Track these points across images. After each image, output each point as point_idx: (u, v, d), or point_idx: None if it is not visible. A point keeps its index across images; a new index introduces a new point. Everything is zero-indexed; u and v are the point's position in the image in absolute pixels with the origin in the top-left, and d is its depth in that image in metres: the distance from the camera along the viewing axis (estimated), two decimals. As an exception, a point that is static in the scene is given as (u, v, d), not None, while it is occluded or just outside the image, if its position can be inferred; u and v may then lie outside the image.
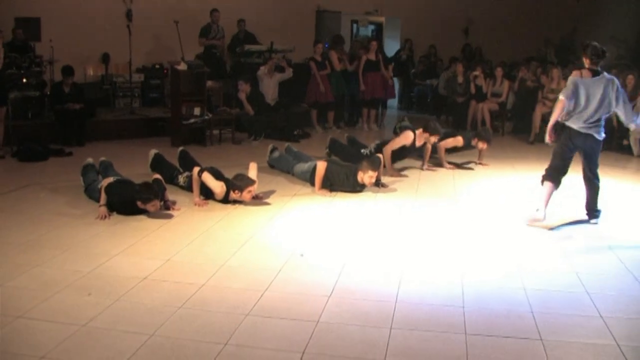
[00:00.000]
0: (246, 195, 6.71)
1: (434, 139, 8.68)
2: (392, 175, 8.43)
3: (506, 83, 12.46)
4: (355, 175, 7.42)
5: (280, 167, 8.41)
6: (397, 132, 9.26)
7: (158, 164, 7.75)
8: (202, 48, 12.41)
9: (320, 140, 11.28)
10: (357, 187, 7.50)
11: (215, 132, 10.60)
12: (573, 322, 4.29)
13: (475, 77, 12.50)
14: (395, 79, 15.57)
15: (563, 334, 4.09)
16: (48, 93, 10.24)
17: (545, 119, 11.63)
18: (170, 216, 6.40)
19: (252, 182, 6.72)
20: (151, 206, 6.24)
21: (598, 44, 6.16)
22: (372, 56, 12.60)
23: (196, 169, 6.84)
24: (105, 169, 7.29)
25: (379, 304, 4.45)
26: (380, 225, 6.40)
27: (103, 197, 6.30)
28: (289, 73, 11.64)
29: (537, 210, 6.49)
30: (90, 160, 7.37)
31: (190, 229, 6.00)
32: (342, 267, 5.11)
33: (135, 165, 8.19)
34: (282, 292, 4.62)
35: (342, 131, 11.84)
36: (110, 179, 6.51)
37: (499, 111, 12.51)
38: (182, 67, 9.90)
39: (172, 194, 6.99)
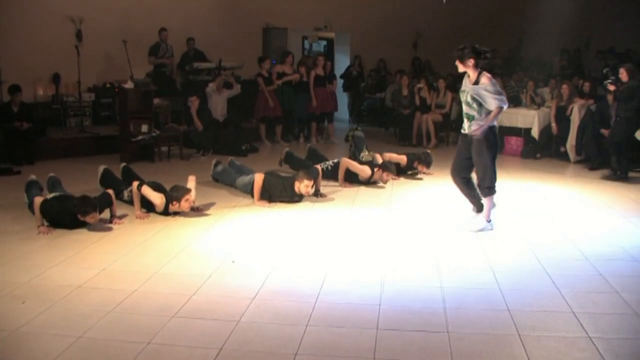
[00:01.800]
0: (184, 204, 6.95)
1: (386, 176, 8.91)
2: (341, 185, 8.79)
3: (449, 94, 12.87)
4: (292, 186, 7.69)
5: (224, 180, 8.66)
6: (348, 140, 9.52)
7: (107, 179, 7.95)
8: (152, 67, 12.65)
9: (268, 155, 11.56)
10: (295, 197, 7.77)
11: (164, 148, 10.82)
12: (481, 315, 4.60)
13: (420, 89, 12.90)
14: (345, 94, 16.01)
15: (470, 327, 4.39)
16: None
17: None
18: (110, 229, 6.62)
19: (188, 190, 6.98)
20: (90, 218, 6.43)
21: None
22: (320, 71, 12.95)
23: (135, 183, 7.06)
24: (53, 185, 7.45)
25: (299, 304, 4.71)
26: (312, 232, 6.68)
27: (39, 218, 6.47)
28: (236, 89, 11.90)
29: (489, 222, 6.74)
30: (33, 177, 7.53)
31: (128, 240, 6.23)
32: (269, 272, 5.38)
33: (84, 182, 8.34)
34: (209, 295, 4.87)
35: (290, 145, 12.12)
36: (41, 198, 6.62)
37: (443, 122, 12.90)
38: (129, 85, 10.14)
39: (118, 209, 7.19)
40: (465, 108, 6.50)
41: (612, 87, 9.53)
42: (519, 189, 8.96)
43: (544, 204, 8.03)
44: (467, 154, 6.67)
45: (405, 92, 13.10)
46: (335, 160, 9.09)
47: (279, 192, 7.76)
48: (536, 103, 12.02)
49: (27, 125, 9.97)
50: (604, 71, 11.13)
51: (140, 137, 10.10)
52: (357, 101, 16.25)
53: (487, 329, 4.35)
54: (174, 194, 6.95)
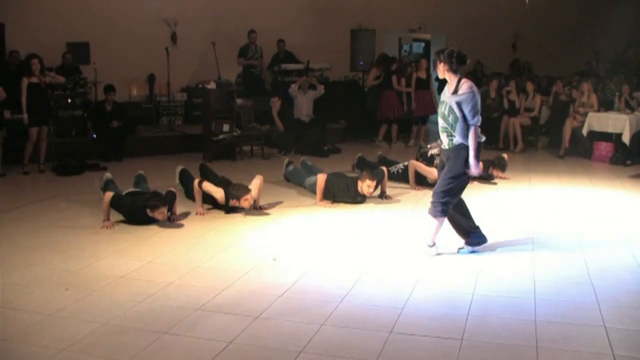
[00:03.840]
0: (244, 203, 7.17)
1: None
2: (412, 188, 8.78)
3: (538, 97, 12.54)
4: (355, 185, 7.78)
5: (295, 180, 8.86)
6: (417, 159, 9.43)
7: (183, 178, 8.32)
8: (242, 68, 13.04)
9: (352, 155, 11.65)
10: (357, 198, 7.85)
11: (246, 148, 11.16)
12: (504, 325, 4.50)
13: (508, 92, 12.64)
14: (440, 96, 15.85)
15: (487, 336, 4.31)
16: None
17: (575, 133, 11.72)
18: (170, 224, 6.94)
19: (247, 191, 7.18)
20: (159, 214, 6.72)
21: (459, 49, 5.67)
22: (422, 74, 12.96)
23: (196, 181, 7.37)
24: (138, 182, 7.87)
25: (322, 304, 4.80)
26: (363, 233, 6.74)
27: (105, 212, 6.84)
28: (320, 90, 12.09)
29: (433, 245, 6.01)
30: (108, 175, 7.96)
31: (182, 235, 6.54)
32: (306, 271, 5.50)
33: (166, 178, 8.66)
34: (239, 291, 5.06)
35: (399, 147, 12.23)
36: (112, 193, 6.97)
37: (532, 126, 12.58)
38: (212, 86, 10.54)
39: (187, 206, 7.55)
40: (441, 122, 5.75)
41: None
42: (593, 195, 8.69)
43: (614, 212, 7.72)
44: None
45: (493, 94, 12.86)
46: (405, 163, 9.10)
47: (342, 191, 7.86)
48: (630, 107, 11.51)
49: (117, 123, 10.56)
50: None
51: (221, 137, 10.48)
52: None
53: (504, 339, 4.26)
54: (234, 192, 7.18)
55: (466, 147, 5.68)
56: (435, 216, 5.90)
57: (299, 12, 14.52)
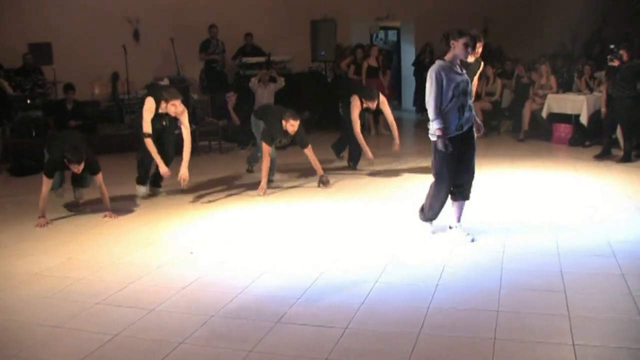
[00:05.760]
0: (171, 108, 7.67)
1: (371, 104, 9.15)
2: (368, 158, 9.14)
3: (498, 81, 12.60)
4: (280, 122, 8.15)
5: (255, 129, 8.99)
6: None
7: None
8: (204, 63, 13.14)
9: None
10: (283, 137, 8.26)
11: (204, 142, 11.28)
12: (394, 311, 4.56)
13: (469, 77, 12.69)
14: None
15: (371, 324, 4.36)
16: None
17: (535, 115, 11.78)
18: (100, 221, 7.14)
19: (178, 97, 7.68)
20: (73, 167, 6.97)
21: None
22: (373, 62, 13.00)
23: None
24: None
25: (219, 296, 4.91)
26: (284, 224, 6.86)
27: (42, 208, 6.98)
28: (280, 83, 12.19)
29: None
30: None
31: (111, 231, 6.72)
32: (216, 264, 5.62)
33: (119, 176, 8.97)
34: (145, 284, 5.20)
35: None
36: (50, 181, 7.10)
37: (493, 110, 12.64)
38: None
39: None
40: (463, 100, 5.76)
41: (615, 63, 9.53)
42: (539, 178, 8.72)
43: (552, 197, 7.70)
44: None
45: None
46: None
47: (275, 130, 8.20)
48: (589, 88, 11.56)
49: (75, 122, 10.69)
50: (611, 47, 10.47)
51: (177, 132, 10.55)
52: (423, 89, 16.04)
53: (388, 327, 4.32)
54: (165, 94, 7.62)
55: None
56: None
57: (259, 4, 14.52)
